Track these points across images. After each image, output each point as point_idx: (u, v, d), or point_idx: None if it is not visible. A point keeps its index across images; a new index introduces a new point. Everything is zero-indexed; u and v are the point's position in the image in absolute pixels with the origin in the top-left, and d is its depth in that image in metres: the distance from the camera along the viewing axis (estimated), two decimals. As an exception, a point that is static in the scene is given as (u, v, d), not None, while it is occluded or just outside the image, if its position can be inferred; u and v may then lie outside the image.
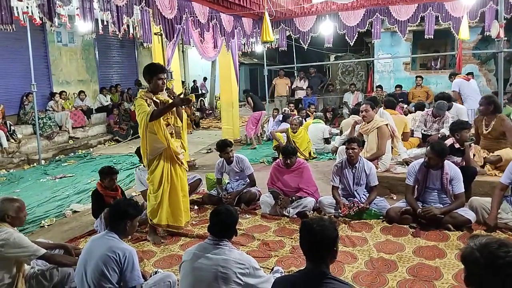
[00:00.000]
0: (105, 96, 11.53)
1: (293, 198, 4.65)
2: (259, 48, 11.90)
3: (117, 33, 5.36)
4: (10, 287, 2.79)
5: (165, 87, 4.01)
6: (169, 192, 4.01)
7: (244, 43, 9.58)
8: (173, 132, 4.00)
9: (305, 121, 8.88)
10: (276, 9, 7.99)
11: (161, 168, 3.94)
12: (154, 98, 3.92)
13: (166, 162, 3.96)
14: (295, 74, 13.58)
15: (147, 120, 3.73)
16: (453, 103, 6.75)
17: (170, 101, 3.97)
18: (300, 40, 9.61)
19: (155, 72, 3.90)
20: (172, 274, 2.95)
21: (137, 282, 2.58)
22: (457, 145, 4.75)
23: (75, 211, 5.21)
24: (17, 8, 6.18)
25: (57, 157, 8.67)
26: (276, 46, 10.21)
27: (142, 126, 3.83)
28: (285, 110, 9.93)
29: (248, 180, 5.19)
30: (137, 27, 7.05)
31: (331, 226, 2.09)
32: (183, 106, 4.22)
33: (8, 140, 8.06)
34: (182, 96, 3.99)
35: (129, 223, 2.71)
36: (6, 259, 2.75)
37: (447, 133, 5.48)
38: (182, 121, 4.15)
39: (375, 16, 8.65)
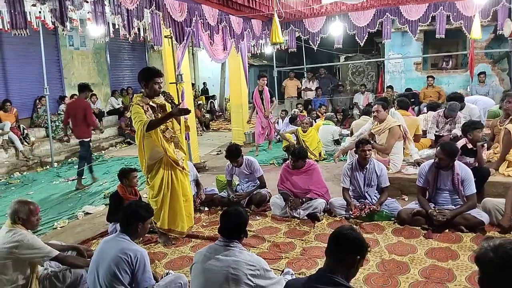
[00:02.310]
0: (117, 99, 11.64)
1: (304, 199, 4.64)
2: (268, 50, 11.91)
3: (127, 36, 5.40)
4: (24, 288, 2.84)
5: (161, 91, 3.94)
6: (169, 197, 3.98)
7: (254, 44, 9.58)
8: (172, 136, 3.96)
9: (315, 122, 8.86)
10: (286, 11, 7.99)
11: (162, 173, 3.91)
12: (151, 103, 3.87)
13: (166, 167, 3.92)
14: (305, 75, 13.56)
15: (144, 130, 3.68)
16: (466, 103, 6.66)
17: (167, 104, 3.95)
18: (310, 41, 9.59)
19: (151, 76, 3.82)
20: (183, 275, 2.97)
21: (148, 283, 2.60)
22: (469, 146, 4.70)
23: (87, 213, 5.27)
24: (30, 13, 6.31)
25: (69, 160, 8.77)
26: (285, 47, 10.20)
27: (139, 134, 3.78)
28: (294, 111, 9.92)
29: (258, 182, 5.20)
30: (147, 30, 7.11)
31: (357, 235, 2.04)
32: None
33: (21, 143, 8.19)
34: (180, 106, 3.95)
35: (140, 225, 2.73)
36: (20, 260, 2.80)
37: (459, 133, 5.43)
38: (179, 124, 4.09)
39: (385, 16, 8.59)
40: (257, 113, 8.48)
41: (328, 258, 2.06)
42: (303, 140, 7.32)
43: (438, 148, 4.11)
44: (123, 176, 4.34)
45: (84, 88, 6.64)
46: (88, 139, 6.65)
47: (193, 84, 14.26)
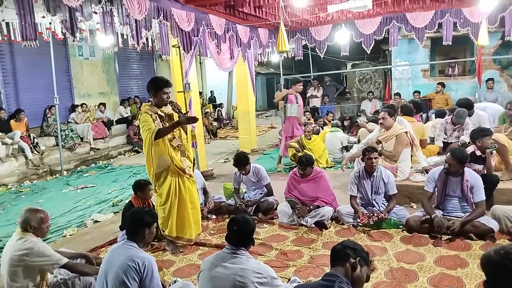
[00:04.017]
0: (125, 108, 11.76)
1: (311, 207, 4.63)
2: (275, 58, 11.97)
3: (136, 46, 5.47)
4: (34, 295, 2.87)
5: (169, 100, 3.99)
6: (177, 205, 4.00)
7: (260, 53, 9.64)
8: (179, 145, 3.99)
9: (322, 129, 8.85)
10: (292, 19, 8.03)
11: (169, 181, 3.94)
12: (159, 112, 3.93)
13: (173, 174, 3.96)
14: (312, 83, 13.58)
15: (152, 138, 3.74)
16: (475, 109, 6.59)
17: (175, 114, 3.99)
18: (316, 49, 9.62)
19: (160, 86, 3.89)
20: (191, 283, 2.98)
21: None
22: (478, 153, 4.66)
23: (96, 221, 5.31)
24: (40, 24, 6.42)
25: (78, 168, 8.85)
26: (292, 55, 10.24)
27: (147, 143, 3.83)
28: (302, 119, 9.90)
29: (266, 190, 5.20)
30: (155, 40, 7.19)
31: (346, 243, 2.24)
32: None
33: (31, 152, 8.29)
34: (188, 114, 3.97)
35: (147, 230, 2.74)
36: (30, 267, 2.84)
37: (468, 140, 5.39)
38: (186, 133, 4.13)
39: (392, 23, 8.59)
40: (283, 122, 8.04)
41: (331, 266, 2.18)
42: (309, 148, 7.33)
43: (448, 154, 4.08)
44: (138, 189, 4.28)
45: None
46: None
47: (200, 93, 14.37)
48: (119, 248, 2.73)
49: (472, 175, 4.04)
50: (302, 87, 8.08)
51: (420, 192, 4.68)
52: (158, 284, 2.64)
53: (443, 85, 11.24)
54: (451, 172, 4.04)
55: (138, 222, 2.74)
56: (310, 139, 7.47)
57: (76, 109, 10.14)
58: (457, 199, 4.13)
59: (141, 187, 4.28)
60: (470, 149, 4.75)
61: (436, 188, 4.20)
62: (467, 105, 6.42)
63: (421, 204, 4.23)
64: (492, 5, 7.12)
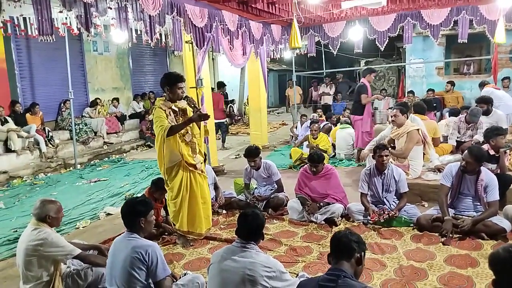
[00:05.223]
0: (138, 103, 11.87)
1: (321, 204, 4.63)
2: (288, 54, 11.94)
3: (149, 42, 5.52)
4: (48, 285, 2.95)
5: (184, 95, 4.01)
6: (188, 199, 4.03)
7: (273, 49, 9.64)
8: (191, 140, 4.02)
9: (335, 126, 8.81)
10: (305, 16, 8.01)
11: (181, 175, 3.96)
12: (173, 107, 3.95)
13: (185, 169, 3.98)
14: (324, 80, 13.51)
15: (164, 135, 3.76)
16: (494, 109, 6.46)
17: (189, 109, 4.02)
18: (329, 46, 9.57)
19: (174, 81, 3.91)
20: (201, 276, 3.02)
21: (164, 274, 2.63)
22: (492, 152, 4.61)
23: (108, 214, 5.39)
24: (56, 19, 6.52)
25: (92, 162, 8.98)
26: (305, 52, 10.21)
27: (159, 139, 3.84)
28: (313, 115, 9.91)
29: (276, 186, 5.22)
30: (169, 36, 7.24)
31: (352, 236, 2.24)
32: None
33: (46, 145, 8.43)
34: (200, 111, 3.95)
35: (143, 220, 2.73)
36: (44, 257, 2.91)
37: (481, 139, 5.33)
38: (199, 128, 4.15)
39: (407, 20, 8.50)
40: (361, 114, 7.60)
41: (335, 260, 2.18)
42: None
43: (466, 151, 4.03)
44: (154, 185, 4.31)
45: (221, 85, 10.63)
46: (223, 120, 9.81)
47: (212, 89, 14.36)
48: (121, 242, 2.73)
49: (487, 175, 3.98)
50: (374, 77, 7.91)
51: (432, 191, 4.64)
52: (165, 268, 2.65)
53: (452, 83, 11.11)
54: (468, 170, 3.98)
55: (131, 213, 2.73)
56: (316, 137, 7.51)
57: (96, 106, 10.26)
58: (470, 198, 4.09)
59: (157, 186, 4.30)
60: (483, 148, 4.70)
61: (451, 185, 4.14)
62: (487, 101, 6.26)
63: (438, 201, 4.16)
64: (510, 2, 6.99)
